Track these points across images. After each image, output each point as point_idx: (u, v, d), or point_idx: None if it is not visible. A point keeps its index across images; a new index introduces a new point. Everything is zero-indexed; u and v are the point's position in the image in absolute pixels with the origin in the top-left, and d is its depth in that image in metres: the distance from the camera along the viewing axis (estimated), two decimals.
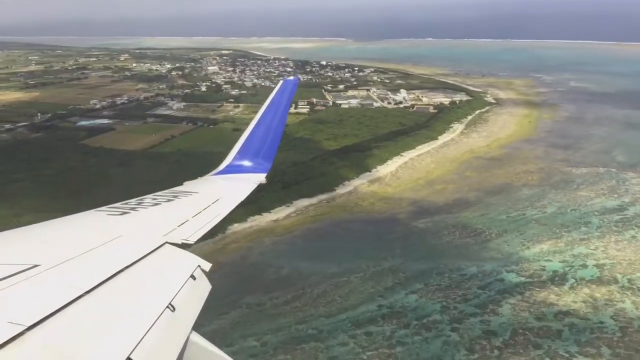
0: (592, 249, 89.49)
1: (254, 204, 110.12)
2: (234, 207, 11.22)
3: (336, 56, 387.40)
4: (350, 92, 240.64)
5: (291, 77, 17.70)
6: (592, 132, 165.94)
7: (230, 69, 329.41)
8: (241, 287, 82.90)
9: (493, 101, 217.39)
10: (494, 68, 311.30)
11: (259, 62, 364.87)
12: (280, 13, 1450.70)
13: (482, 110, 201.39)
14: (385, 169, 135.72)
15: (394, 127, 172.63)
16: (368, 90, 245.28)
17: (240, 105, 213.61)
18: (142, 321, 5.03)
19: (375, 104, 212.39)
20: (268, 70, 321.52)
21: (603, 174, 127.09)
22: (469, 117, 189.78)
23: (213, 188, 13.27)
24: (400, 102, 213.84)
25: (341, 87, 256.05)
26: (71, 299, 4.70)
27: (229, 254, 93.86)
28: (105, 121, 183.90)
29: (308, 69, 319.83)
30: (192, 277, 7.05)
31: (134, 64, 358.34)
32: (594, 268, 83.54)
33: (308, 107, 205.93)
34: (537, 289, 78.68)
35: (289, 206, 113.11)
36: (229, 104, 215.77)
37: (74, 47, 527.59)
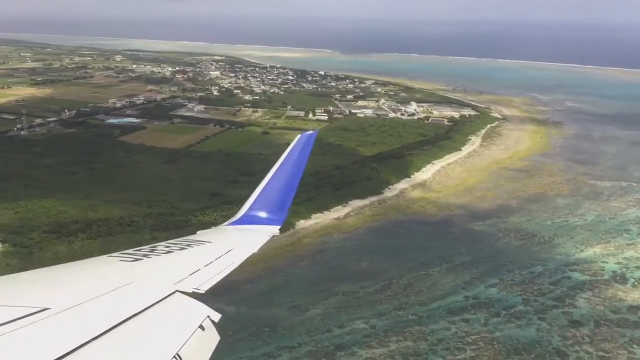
0: None
1: (312, 201, 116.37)
2: (245, 258, 11.41)
3: (329, 67, 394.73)
4: (361, 102, 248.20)
5: (309, 132, 17.50)
6: (602, 149, 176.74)
7: (232, 74, 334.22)
8: (329, 276, 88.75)
9: (499, 117, 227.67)
10: (489, 86, 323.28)
11: (257, 69, 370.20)
12: (260, 21, 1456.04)
13: (493, 125, 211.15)
14: (422, 175, 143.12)
15: (416, 138, 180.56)
16: (377, 101, 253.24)
17: (259, 110, 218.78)
18: None
19: (390, 115, 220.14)
20: (270, 77, 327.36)
21: (626, 187, 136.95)
22: (483, 131, 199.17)
23: (226, 238, 13.27)
24: (413, 114, 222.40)
25: (349, 97, 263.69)
26: (79, 344, 4.69)
27: (306, 247, 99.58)
28: (134, 120, 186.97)
29: (310, 79, 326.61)
30: (201, 327, 6.90)
31: (134, 65, 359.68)
32: None
33: (326, 115, 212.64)
34: (603, 286, 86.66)
35: (345, 206, 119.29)
36: (246, 109, 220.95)
37: (63, 45, 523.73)
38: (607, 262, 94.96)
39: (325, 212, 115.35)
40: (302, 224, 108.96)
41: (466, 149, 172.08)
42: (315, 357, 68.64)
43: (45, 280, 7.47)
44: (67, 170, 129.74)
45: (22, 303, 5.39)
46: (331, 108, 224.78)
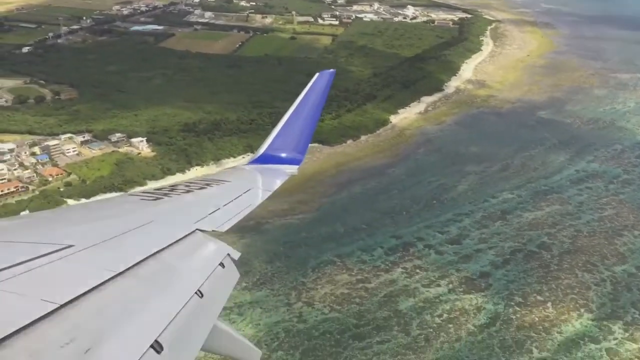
0: None
1: (392, 99, 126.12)
2: (265, 198, 11.17)
3: None
4: (356, 7, 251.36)
5: (328, 70, 16.93)
6: (602, 46, 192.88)
7: None
8: (450, 160, 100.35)
9: (493, 19, 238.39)
10: None
11: None
12: None
13: (492, 27, 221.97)
14: (465, 74, 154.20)
15: (436, 40, 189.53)
16: (370, 5, 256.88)
17: (267, 16, 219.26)
18: (171, 306, 5.09)
19: (395, 19, 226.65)
20: None
21: None
22: (487, 32, 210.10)
23: (245, 178, 13.25)
24: (415, 17, 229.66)
25: (341, 1, 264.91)
26: (103, 281, 4.74)
27: (411, 138, 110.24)
28: (157, 27, 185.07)
29: None
30: (222, 265, 6.79)
31: None
32: None
33: (335, 19, 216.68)
34: None
35: (419, 102, 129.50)
36: (254, 15, 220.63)
37: None
38: None
39: (407, 107, 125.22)
40: (393, 119, 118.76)
41: (486, 50, 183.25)
42: (490, 219, 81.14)
43: (68, 219, 7.68)
44: (141, 77, 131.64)
45: (47, 240, 5.50)
46: (337, 12, 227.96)
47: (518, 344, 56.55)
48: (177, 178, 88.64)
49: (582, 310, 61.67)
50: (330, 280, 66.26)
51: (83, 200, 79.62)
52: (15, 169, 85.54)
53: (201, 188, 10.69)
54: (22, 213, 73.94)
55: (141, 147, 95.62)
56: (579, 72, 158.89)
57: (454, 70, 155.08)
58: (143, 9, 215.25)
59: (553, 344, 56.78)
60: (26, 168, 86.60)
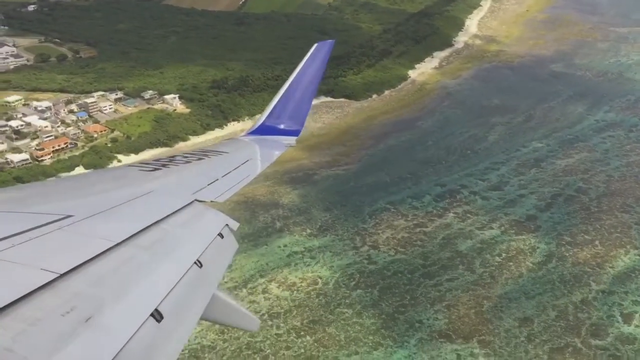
0: None
1: (407, 54, 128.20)
2: (264, 168, 11.12)
3: None
4: None
5: (327, 41, 16.67)
6: (598, 1, 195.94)
7: None
8: (475, 113, 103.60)
9: None
10: None
11: None
12: None
13: None
14: (470, 29, 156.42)
15: None
16: None
17: None
18: (170, 275, 5.16)
19: None
20: None
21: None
22: None
23: (243, 149, 13.12)
24: None
25: None
26: (102, 250, 4.77)
27: (432, 92, 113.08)
28: None
29: None
30: (220, 235, 6.84)
31: None
32: None
33: None
34: None
35: (432, 57, 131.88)
36: None
37: None
38: None
39: (422, 63, 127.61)
40: (412, 73, 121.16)
41: (485, 5, 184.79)
42: (526, 167, 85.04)
43: (67, 189, 7.60)
44: (154, 35, 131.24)
45: (46, 210, 5.49)
46: None
47: (576, 279, 60.93)
48: (217, 133, 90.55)
49: (628, 247, 66.28)
50: (389, 226, 69.63)
51: (132, 156, 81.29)
52: (58, 126, 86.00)
53: (199, 159, 10.85)
54: (77, 168, 75.50)
55: (175, 104, 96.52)
56: (579, 26, 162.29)
57: (459, 25, 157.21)
58: None
59: (608, 277, 61.31)
60: (68, 125, 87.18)
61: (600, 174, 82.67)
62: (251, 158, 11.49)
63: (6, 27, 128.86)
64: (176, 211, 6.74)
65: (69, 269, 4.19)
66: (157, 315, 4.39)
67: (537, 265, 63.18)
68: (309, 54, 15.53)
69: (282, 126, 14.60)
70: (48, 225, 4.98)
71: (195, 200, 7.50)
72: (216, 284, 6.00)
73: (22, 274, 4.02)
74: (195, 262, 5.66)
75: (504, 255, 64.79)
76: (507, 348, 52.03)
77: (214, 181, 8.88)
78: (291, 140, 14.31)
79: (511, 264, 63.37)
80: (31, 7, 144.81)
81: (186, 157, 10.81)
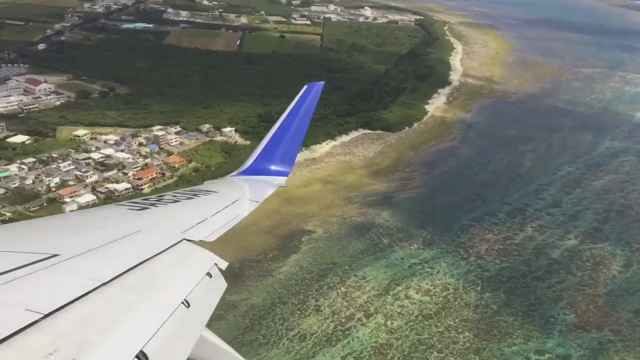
0: None
1: (416, 92, 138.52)
2: (253, 209, 11.02)
3: None
4: (314, 8, 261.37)
5: (316, 83, 16.29)
6: (552, 45, 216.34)
7: None
8: (498, 141, 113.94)
9: (444, 20, 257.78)
10: None
11: None
12: None
13: (446, 28, 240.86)
14: (459, 69, 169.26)
15: (411, 40, 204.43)
16: (326, 6, 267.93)
17: (240, 15, 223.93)
18: (157, 315, 5.06)
19: (360, 19, 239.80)
20: None
21: (602, 72, 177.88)
22: (447, 33, 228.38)
23: (233, 188, 13.02)
24: (375, 18, 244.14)
25: (296, 2, 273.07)
26: (88, 290, 4.66)
27: (453, 124, 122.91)
28: (148, 25, 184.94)
29: None
30: (209, 274, 6.75)
31: None
32: None
33: (306, 19, 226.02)
34: None
35: (438, 94, 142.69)
36: (227, 14, 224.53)
37: None
38: None
39: (432, 98, 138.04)
40: (426, 109, 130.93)
41: (458, 48, 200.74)
42: (569, 187, 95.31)
43: (54, 228, 7.66)
44: (175, 73, 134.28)
45: (31, 249, 5.41)
46: (306, 13, 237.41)
47: None
48: None
49: None
50: (482, 239, 76.89)
51: None
52: (137, 158, 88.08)
53: (189, 198, 10.74)
54: None
55: (233, 136, 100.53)
56: (549, 68, 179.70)
57: (448, 65, 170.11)
58: (116, 7, 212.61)
59: None
60: (145, 157, 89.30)
61: (634, 192, 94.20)
62: (241, 198, 11.39)
63: (27, 65, 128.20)
64: (164, 250, 6.76)
65: (53, 309, 4.16)
66: (142, 357, 4.38)
67: (623, 267, 72.20)
68: (299, 95, 15.83)
69: (272, 167, 14.56)
70: (33, 265, 4.93)
71: (184, 239, 7.51)
72: (204, 324, 5.95)
73: (5, 314, 3.98)
74: (182, 302, 5.66)
75: (592, 260, 73.38)
76: (635, 334, 60.03)
77: (203, 220, 8.85)
78: (281, 180, 14.28)
79: (602, 267, 72.03)
80: (41, 46, 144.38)
81: (175, 196, 10.86)
